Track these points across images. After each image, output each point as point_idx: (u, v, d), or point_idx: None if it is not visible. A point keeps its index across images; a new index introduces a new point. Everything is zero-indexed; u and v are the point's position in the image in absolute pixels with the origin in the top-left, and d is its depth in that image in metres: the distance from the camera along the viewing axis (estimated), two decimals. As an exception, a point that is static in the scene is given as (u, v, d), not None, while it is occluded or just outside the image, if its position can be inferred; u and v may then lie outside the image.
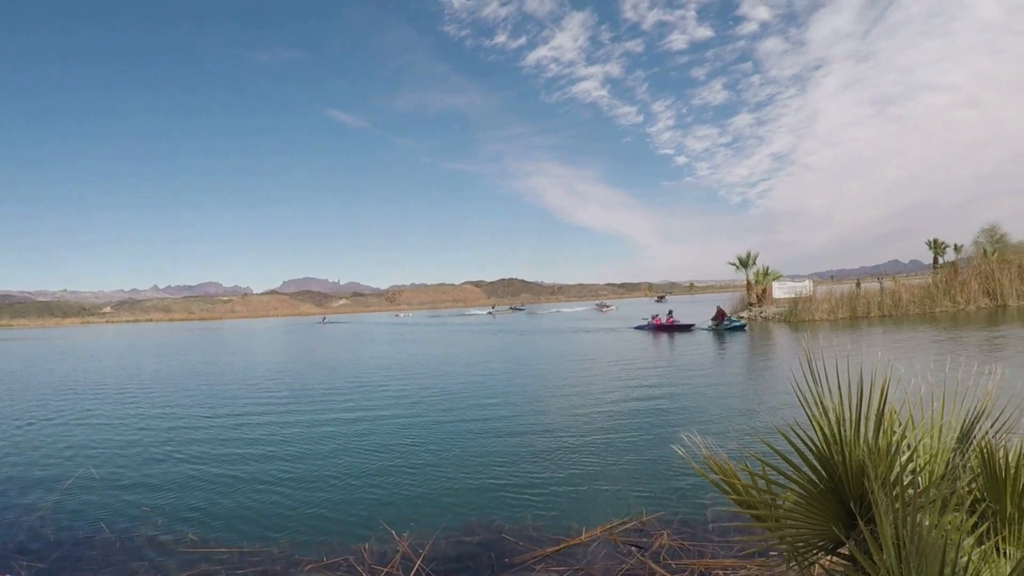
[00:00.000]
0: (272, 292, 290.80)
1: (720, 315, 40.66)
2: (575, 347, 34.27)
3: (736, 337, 33.99)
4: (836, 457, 3.32)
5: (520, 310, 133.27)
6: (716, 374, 20.09)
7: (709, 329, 39.41)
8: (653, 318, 43.67)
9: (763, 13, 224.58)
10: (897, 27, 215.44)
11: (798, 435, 3.44)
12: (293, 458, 12.02)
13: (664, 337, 36.90)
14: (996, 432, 3.78)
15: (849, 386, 3.44)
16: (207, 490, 10.26)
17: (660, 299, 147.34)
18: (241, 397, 20.31)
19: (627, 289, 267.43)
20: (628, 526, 7.61)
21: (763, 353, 26.30)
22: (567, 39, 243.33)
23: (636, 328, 44.75)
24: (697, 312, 53.29)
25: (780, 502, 3.57)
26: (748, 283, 50.72)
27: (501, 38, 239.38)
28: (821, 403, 3.50)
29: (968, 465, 3.64)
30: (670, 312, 44.45)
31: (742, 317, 43.86)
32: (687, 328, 40.73)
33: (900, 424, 3.60)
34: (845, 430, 3.35)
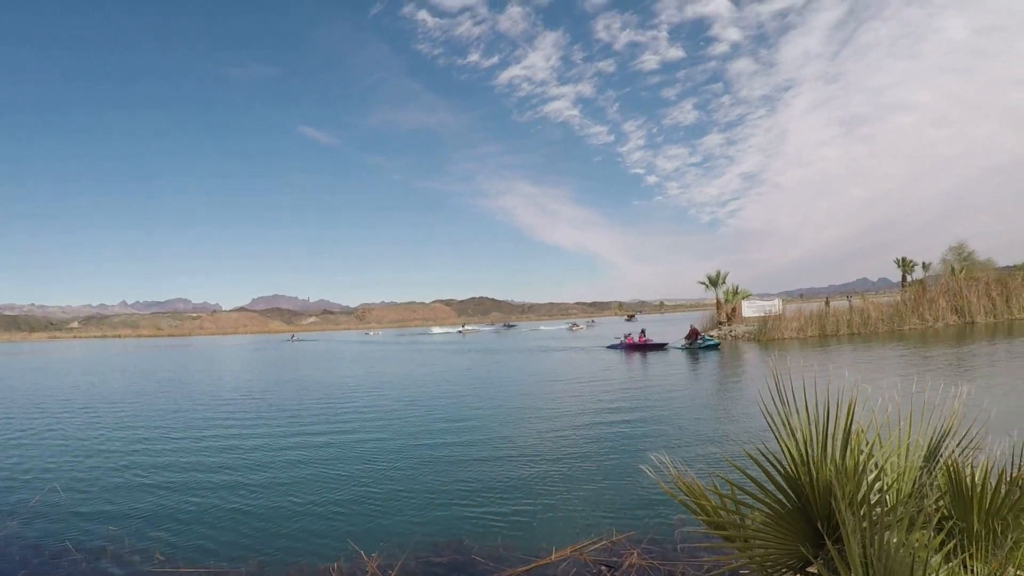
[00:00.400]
0: (241, 309, 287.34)
1: (694, 334, 40.45)
2: (546, 367, 34.19)
3: (709, 356, 34.02)
4: (803, 477, 3.32)
5: (512, 327, 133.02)
6: (687, 394, 20.15)
7: (683, 348, 39.18)
8: (626, 337, 43.59)
9: (734, 34, 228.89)
10: (866, 48, 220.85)
11: (765, 456, 3.44)
12: (261, 478, 11.80)
13: (637, 356, 36.82)
14: (963, 450, 3.81)
15: (816, 406, 3.45)
16: (174, 510, 10.03)
17: (630, 318, 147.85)
18: (208, 416, 19.94)
19: (597, 308, 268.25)
20: (598, 546, 7.56)
21: (733, 372, 26.47)
22: (539, 59, 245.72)
23: (609, 347, 44.67)
24: (666, 331, 53.63)
25: (749, 522, 3.56)
26: (718, 302, 51.09)
27: (474, 57, 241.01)
28: (788, 424, 3.51)
29: (935, 483, 3.66)
30: (643, 331, 44.40)
31: (712, 335, 44.05)
32: (660, 347, 40.61)
33: (867, 443, 3.62)
34: (812, 450, 3.35)
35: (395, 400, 22.08)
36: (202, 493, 10.94)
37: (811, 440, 3.38)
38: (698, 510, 3.70)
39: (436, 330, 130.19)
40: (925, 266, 64.43)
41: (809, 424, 3.44)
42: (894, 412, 3.86)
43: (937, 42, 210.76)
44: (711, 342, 38.91)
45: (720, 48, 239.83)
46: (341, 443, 14.74)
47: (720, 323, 49.35)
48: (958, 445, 3.82)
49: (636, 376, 26.56)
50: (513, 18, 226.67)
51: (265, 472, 12.26)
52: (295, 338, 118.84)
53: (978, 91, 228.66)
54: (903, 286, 60.51)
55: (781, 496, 3.40)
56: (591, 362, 34.99)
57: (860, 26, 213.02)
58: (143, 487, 11.51)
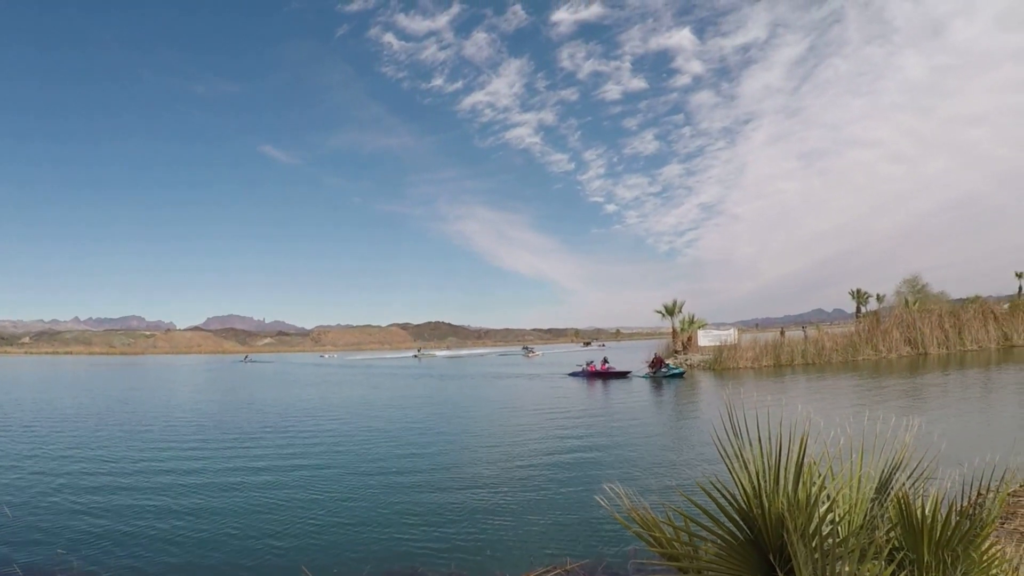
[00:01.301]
0: (196, 328, 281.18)
1: (658, 362, 39.85)
2: (504, 394, 33.90)
3: (671, 385, 33.87)
4: (756, 510, 3.31)
5: (530, 350, 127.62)
6: (645, 424, 20.15)
7: (646, 376, 38.75)
8: (588, 364, 43.22)
9: (696, 67, 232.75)
10: (826, 84, 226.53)
11: (718, 488, 3.43)
12: (213, 503, 11.49)
13: (599, 384, 36.56)
14: (913, 482, 3.83)
15: (769, 439, 3.45)
16: (124, 535, 9.75)
17: (586, 345, 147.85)
18: (159, 440, 19.39)
19: (554, 335, 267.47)
20: (552, 574, 7.48)
21: (693, 402, 26.60)
22: (503, 85, 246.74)
23: (570, 375, 44.17)
24: (622, 359, 53.41)
25: (702, 553, 3.53)
26: (674, 331, 51.25)
27: (438, 81, 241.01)
28: (741, 456, 3.50)
29: (886, 515, 3.67)
30: (605, 359, 44.08)
31: (669, 364, 44.02)
32: (623, 375, 40.18)
33: (820, 476, 3.62)
34: (765, 482, 3.35)
35: (349, 426, 21.77)
36: (152, 518, 10.63)
37: (764, 472, 3.38)
38: (652, 541, 3.66)
39: (381, 354, 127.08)
40: (879, 298, 65.56)
41: (762, 456, 3.44)
42: (846, 444, 3.88)
43: (895, 80, 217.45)
44: (676, 371, 38.47)
45: (682, 80, 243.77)
46: (294, 469, 14.44)
47: (676, 352, 49.48)
48: (909, 477, 3.84)
49: (596, 405, 26.56)
50: (478, 44, 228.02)
51: (217, 497, 11.95)
52: (248, 359, 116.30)
53: (934, 128, 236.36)
54: (857, 317, 61.41)
55: (734, 528, 3.38)
56: (551, 390, 34.79)
57: (821, 63, 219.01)
58: (93, 511, 11.17)
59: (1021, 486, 8.83)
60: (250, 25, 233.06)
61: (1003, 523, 6.99)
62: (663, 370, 38.66)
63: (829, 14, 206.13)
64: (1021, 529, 6.84)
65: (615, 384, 36.16)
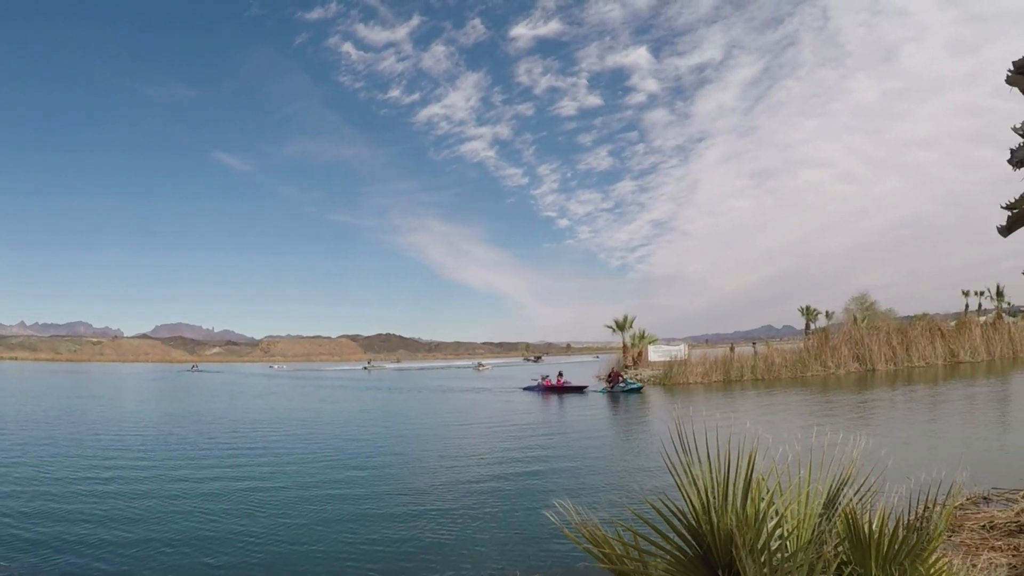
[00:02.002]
0: (143, 336, 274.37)
1: (615, 377, 39.88)
2: (457, 408, 33.78)
3: (628, 400, 33.88)
4: (705, 526, 3.28)
5: (532, 360, 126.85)
6: (597, 439, 20.18)
7: (603, 391, 38.60)
8: (543, 379, 43.08)
9: (652, 85, 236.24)
10: (779, 105, 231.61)
11: (667, 505, 3.39)
12: (147, 532, 11.02)
13: (554, 399, 36.31)
14: (861, 497, 3.85)
15: (718, 455, 3.44)
16: (59, 561, 9.32)
17: (537, 359, 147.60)
18: (90, 458, 18.73)
19: (504, 349, 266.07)
20: (501, 591, 7.39)
21: (646, 417, 26.73)
22: (460, 98, 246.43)
23: (525, 389, 43.86)
24: (573, 373, 53.40)
25: (652, 569, 3.49)
26: (624, 346, 51.57)
27: (395, 93, 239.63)
28: (690, 472, 3.49)
29: (834, 530, 3.67)
30: (560, 373, 43.93)
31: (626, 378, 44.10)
32: (579, 390, 39.96)
33: (768, 492, 3.61)
34: (714, 499, 3.33)
35: (295, 440, 21.44)
36: (83, 547, 10.08)
37: (713, 488, 3.37)
38: (602, 557, 3.61)
39: (328, 367, 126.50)
40: (828, 315, 66.82)
41: (711, 473, 3.44)
42: (795, 460, 3.88)
43: (847, 102, 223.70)
44: (634, 385, 38.42)
45: (637, 98, 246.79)
46: (235, 492, 13.83)
47: (626, 367, 49.66)
48: (856, 492, 3.86)
49: (550, 420, 26.52)
50: (436, 57, 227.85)
51: (152, 519, 11.53)
52: (196, 368, 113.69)
53: (884, 150, 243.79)
54: (807, 334, 62.46)
55: (683, 544, 3.36)
56: (504, 404, 34.64)
57: (774, 84, 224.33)
58: (23, 535, 10.61)
59: (968, 499, 9.02)
60: (208, 31, 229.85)
61: (950, 536, 7.11)
62: (620, 385, 38.53)
63: (784, 37, 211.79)
64: (967, 542, 6.97)
65: (570, 399, 36.05)
